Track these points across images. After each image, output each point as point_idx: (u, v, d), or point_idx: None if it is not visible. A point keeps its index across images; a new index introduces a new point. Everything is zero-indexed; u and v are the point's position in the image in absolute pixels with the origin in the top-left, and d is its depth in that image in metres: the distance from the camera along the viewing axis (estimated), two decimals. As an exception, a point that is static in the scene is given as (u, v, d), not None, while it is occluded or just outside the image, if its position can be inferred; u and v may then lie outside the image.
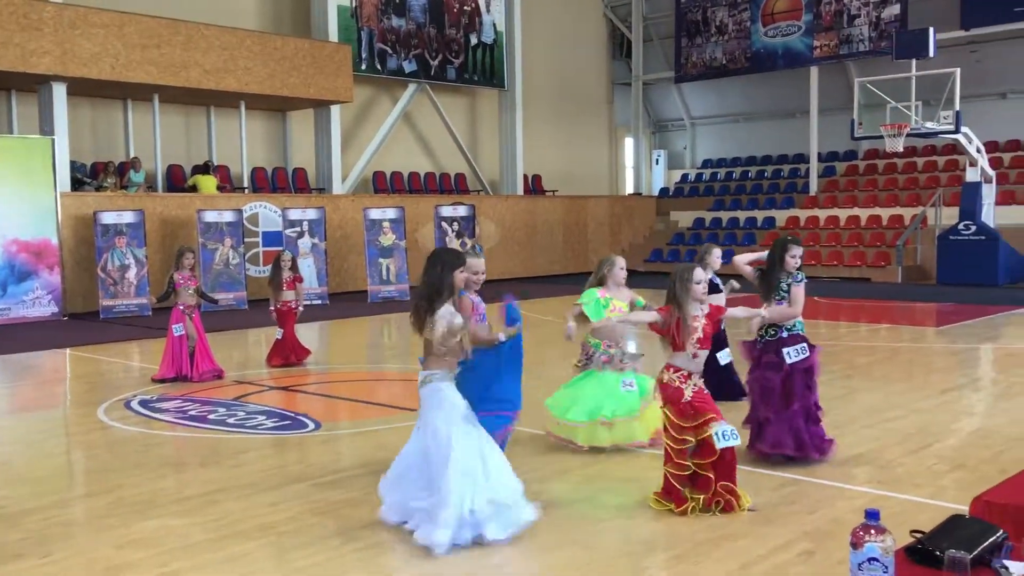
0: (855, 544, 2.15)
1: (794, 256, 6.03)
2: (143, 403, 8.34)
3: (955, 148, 22.11)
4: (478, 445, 4.58)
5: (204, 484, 5.77)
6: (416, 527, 4.56)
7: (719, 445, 4.89)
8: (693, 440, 4.96)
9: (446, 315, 4.55)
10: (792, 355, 5.92)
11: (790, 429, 5.86)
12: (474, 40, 23.57)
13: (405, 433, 6.81)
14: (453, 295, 4.66)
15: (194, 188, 18.14)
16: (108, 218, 15.77)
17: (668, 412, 5.04)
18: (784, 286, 6.00)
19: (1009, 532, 2.54)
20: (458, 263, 4.70)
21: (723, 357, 7.67)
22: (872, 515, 2.20)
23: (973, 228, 18.88)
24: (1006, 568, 2.31)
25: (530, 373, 8.89)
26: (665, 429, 5.06)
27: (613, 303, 6.58)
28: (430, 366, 4.68)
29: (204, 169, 18.46)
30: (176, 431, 7.39)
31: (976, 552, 2.34)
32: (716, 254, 7.66)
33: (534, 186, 25.68)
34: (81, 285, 16.01)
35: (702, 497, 4.93)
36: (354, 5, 20.99)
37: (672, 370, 5.07)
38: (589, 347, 6.78)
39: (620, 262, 6.69)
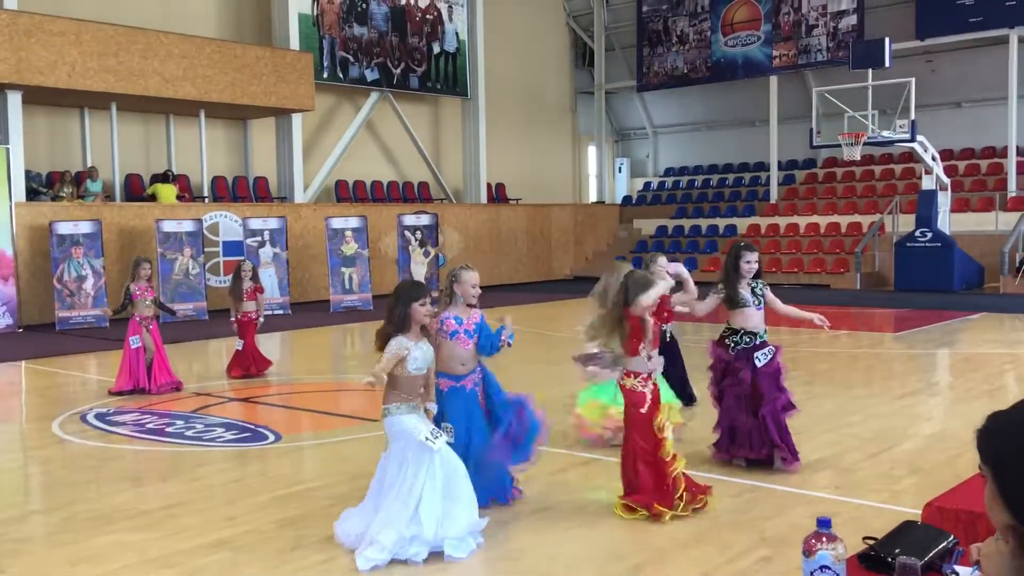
0: (807, 552, 2.17)
1: (748, 262, 6.09)
2: (100, 416, 8.21)
3: (911, 156, 22.46)
4: (427, 476, 4.51)
5: (162, 498, 5.69)
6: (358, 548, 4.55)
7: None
8: (671, 437, 5.05)
9: (393, 347, 4.58)
10: (761, 359, 6.03)
11: (761, 434, 5.93)
12: (437, 48, 23.58)
13: (368, 444, 6.79)
14: (409, 328, 4.63)
15: (153, 197, 17.93)
16: (64, 228, 15.52)
17: (635, 417, 5.10)
18: (759, 292, 6.10)
19: (960, 537, 2.58)
20: (415, 295, 4.66)
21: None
22: (824, 523, 2.22)
23: (929, 235, 19.19)
24: (956, 573, 2.34)
25: (500, 378, 8.79)
26: (632, 435, 5.10)
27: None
28: (387, 399, 4.68)
29: (164, 178, 18.26)
30: (134, 444, 7.28)
31: (927, 558, 2.37)
32: (662, 263, 7.32)
33: (497, 194, 25.71)
34: (37, 296, 15.74)
35: (684, 497, 5.03)
36: (315, 13, 20.90)
37: (633, 375, 5.12)
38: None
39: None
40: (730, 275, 6.11)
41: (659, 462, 5.01)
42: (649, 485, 5.00)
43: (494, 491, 5.26)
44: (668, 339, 7.54)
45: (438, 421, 4.96)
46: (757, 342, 6.07)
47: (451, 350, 5.16)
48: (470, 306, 5.27)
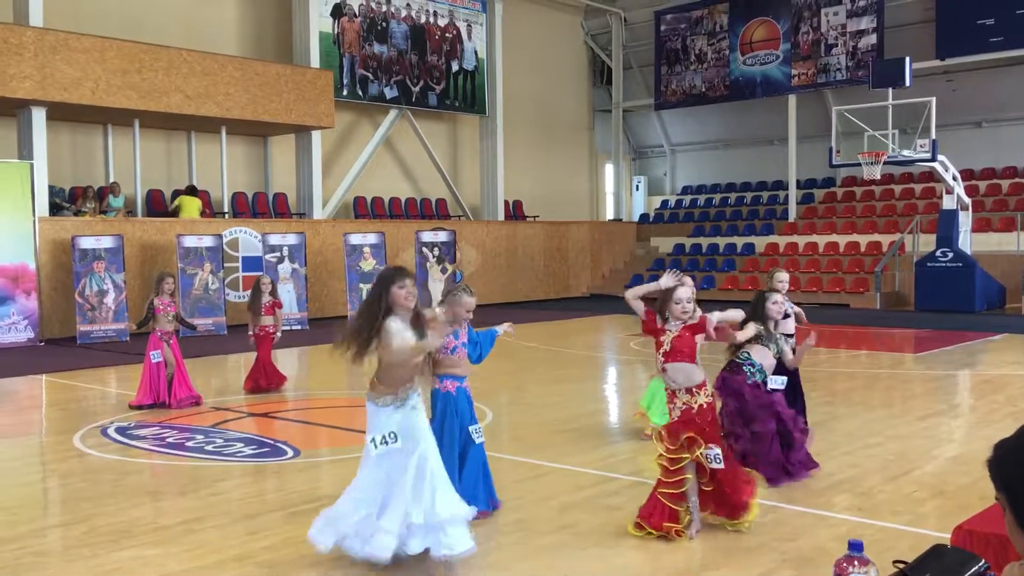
0: (839, 575, 2.15)
1: (775, 303, 6.17)
2: (120, 430, 8.24)
3: (932, 176, 22.38)
4: (389, 470, 4.52)
5: (181, 513, 5.69)
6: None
7: (708, 466, 4.97)
8: (688, 457, 4.99)
9: (394, 328, 4.48)
10: (777, 383, 6.05)
11: (768, 458, 5.92)
12: (455, 67, 23.70)
13: (385, 460, 6.80)
14: (392, 313, 4.52)
15: (176, 212, 18.04)
16: (86, 243, 15.65)
17: (661, 431, 5.11)
18: (780, 344, 6.25)
19: (990, 561, 2.55)
20: (393, 278, 4.54)
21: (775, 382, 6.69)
22: (855, 546, 2.20)
23: (950, 255, 19.07)
24: (988, 598, 2.31)
25: (518, 397, 8.84)
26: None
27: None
28: (373, 389, 4.64)
29: (189, 191, 18.38)
30: (153, 459, 7.30)
31: (958, 582, 2.34)
32: (781, 278, 7.10)
33: (515, 212, 25.75)
34: (58, 310, 15.86)
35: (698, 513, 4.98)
36: (336, 31, 21.07)
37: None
38: None
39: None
40: (760, 318, 6.19)
41: (673, 478, 4.99)
42: (658, 499, 4.99)
43: (482, 497, 5.31)
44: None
45: (443, 421, 5.18)
46: (767, 379, 6.19)
47: (452, 362, 5.30)
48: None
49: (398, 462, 4.52)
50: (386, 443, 4.50)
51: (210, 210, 19.27)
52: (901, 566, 2.22)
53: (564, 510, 5.61)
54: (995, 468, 1.63)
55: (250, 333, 10.41)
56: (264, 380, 10.23)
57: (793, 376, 7.44)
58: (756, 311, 6.21)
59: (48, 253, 15.78)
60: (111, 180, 17.90)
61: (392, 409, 4.56)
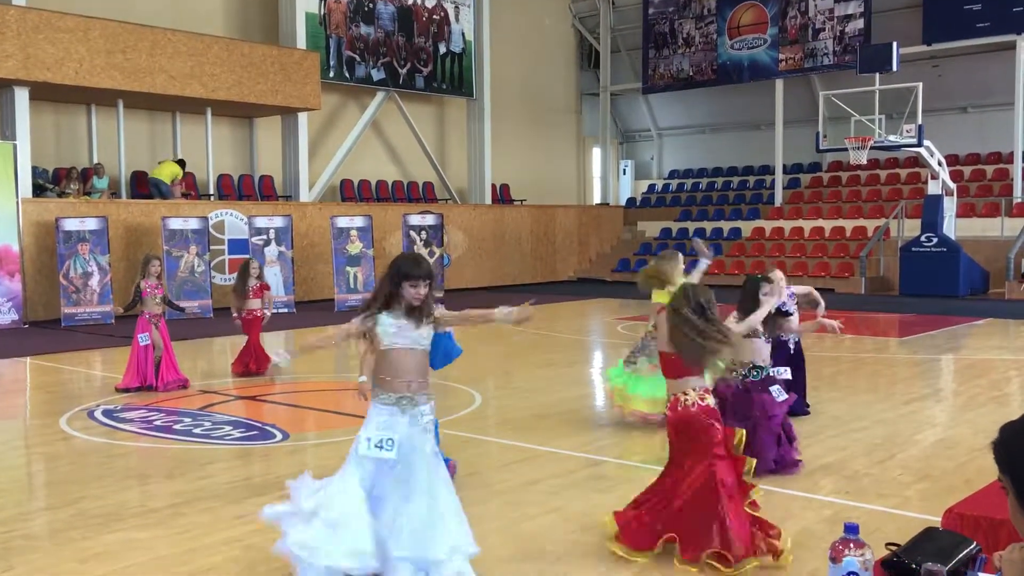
0: (834, 558, 2.16)
1: (766, 293, 6.01)
2: (107, 413, 8.21)
3: (917, 161, 22.46)
4: (369, 485, 3.97)
5: (170, 496, 5.68)
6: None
7: None
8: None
9: (361, 317, 4.13)
10: (778, 393, 6.00)
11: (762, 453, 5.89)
12: (443, 49, 23.58)
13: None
14: (392, 308, 4.08)
15: (157, 186, 17.84)
16: (70, 224, 15.52)
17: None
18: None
19: (981, 544, 2.57)
20: (408, 272, 4.09)
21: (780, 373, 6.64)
22: (851, 529, 2.21)
23: (935, 240, 19.17)
24: (979, 580, 2.33)
25: (505, 381, 8.86)
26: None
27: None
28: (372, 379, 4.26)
29: (179, 162, 18.27)
30: (141, 442, 7.28)
31: (951, 564, 2.36)
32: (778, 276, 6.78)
33: (502, 195, 25.70)
34: (42, 292, 15.75)
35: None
36: (322, 12, 20.91)
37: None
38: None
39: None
40: (749, 308, 5.93)
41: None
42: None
43: None
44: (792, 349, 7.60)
45: None
46: (764, 376, 6.03)
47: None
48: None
49: (385, 474, 3.99)
50: (380, 448, 3.95)
51: (195, 192, 19.15)
52: (894, 548, 2.25)
53: (553, 493, 5.63)
54: (1000, 450, 1.64)
55: (235, 316, 10.38)
56: (254, 364, 10.19)
57: (796, 358, 7.49)
58: (750, 300, 6.00)
59: (32, 235, 15.65)
60: (95, 161, 17.75)
61: (396, 411, 4.02)
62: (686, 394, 4.46)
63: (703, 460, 4.35)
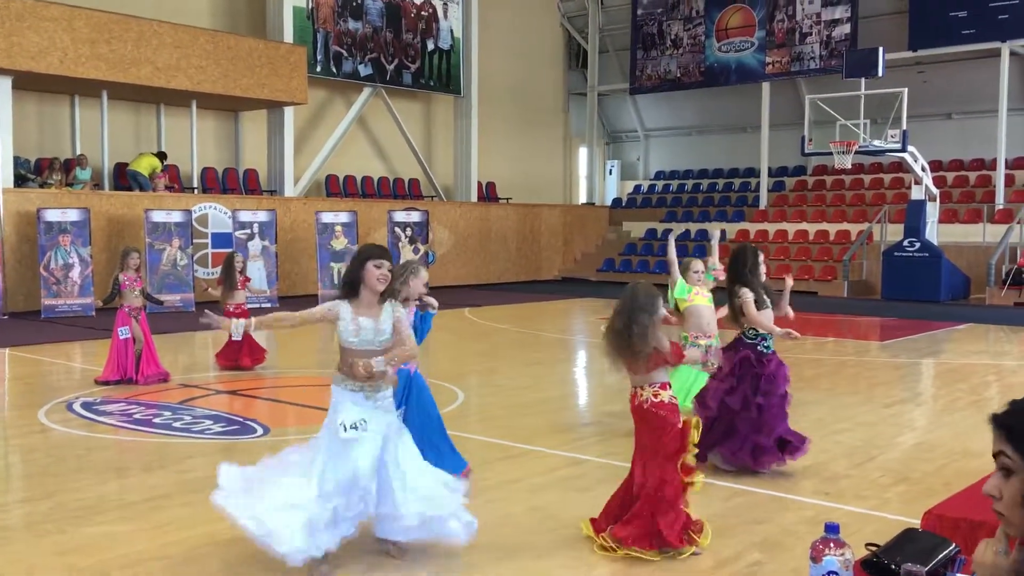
0: (815, 558, 2.17)
1: (763, 263, 6.23)
2: (86, 405, 8.15)
3: (901, 166, 22.56)
4: (354, 455, 4.23)
5: (149, 490, 5.64)
6: None
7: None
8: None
9: (324, 306, 4.46)
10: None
11: (754, 443, 5.90)
12: (431, 46, 23.53)
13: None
14: (357, 294, 4.39)
15: (135, 178, 17.70)
16: (52, 215, 15.41)
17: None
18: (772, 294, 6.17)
19: (960, 546, 2.59)
20: (370, 254, 4.41)
21: None
22: (832, 528, 2.22)
23: (917, 245, 19.29)
24: (958, 581, 2.35)
25: (489, 379, 8.85)
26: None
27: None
28: (339, 371, 4.45)
29: (159, 155, 18.14)
30: (120, 435, 7.23)
31: (931, 565, 2.37)
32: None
33: (488, 193, 25.69)
34: (23, 284, 15.62)
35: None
36: (310, 7, 20.83)
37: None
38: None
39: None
40: (749, 277, 6.04)
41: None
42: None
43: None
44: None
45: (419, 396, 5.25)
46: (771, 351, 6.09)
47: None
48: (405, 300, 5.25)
49: (369, 448, 4.26)
50: (356, 428, 4.22)
51: (179, 185, 19.04)
52: (874, 548, 2.25)
53: (534, 491, 5.62)
54: (1008, 423, 1.53)
55: (228, 310, 10.26)
56: (248, 358, 10.10)
57: None
58: (748, 269, 6.06)
59: (12, 225, 15.52)
60: (78, 152, 17.62)
61: (361, 397, 4.30)
62: (643, 389, 4.58)
63: (656, 458, 4.50)
